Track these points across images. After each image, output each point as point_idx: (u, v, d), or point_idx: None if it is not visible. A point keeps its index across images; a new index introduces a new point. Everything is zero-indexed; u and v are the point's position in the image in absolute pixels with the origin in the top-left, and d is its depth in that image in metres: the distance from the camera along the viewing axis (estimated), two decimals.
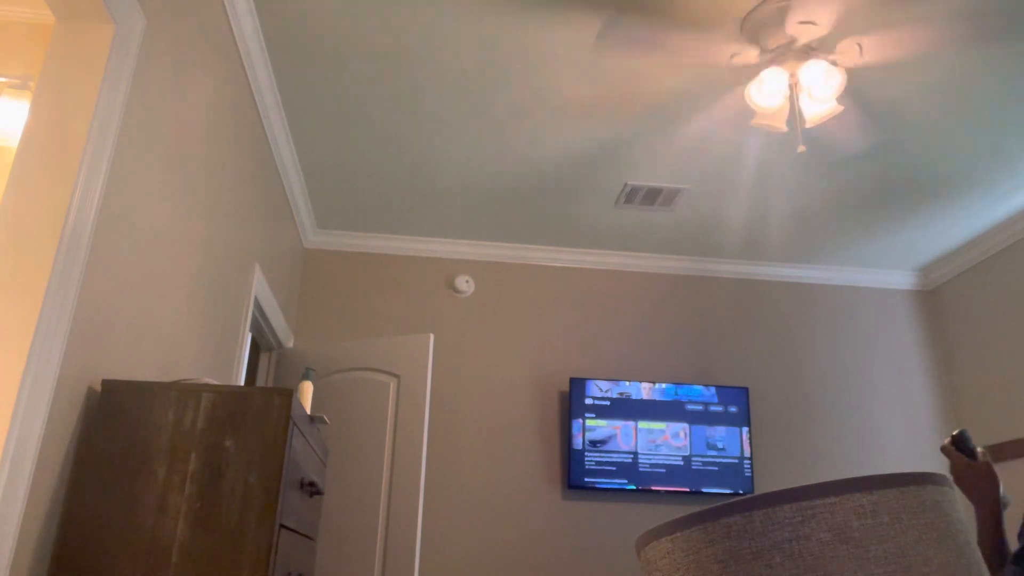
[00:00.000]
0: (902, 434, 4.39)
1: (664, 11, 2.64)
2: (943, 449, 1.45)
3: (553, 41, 2.73)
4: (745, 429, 4.14)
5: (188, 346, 2.37)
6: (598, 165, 3.55)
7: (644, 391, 4.15)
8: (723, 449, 4.09)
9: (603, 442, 4.04)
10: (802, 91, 2.65)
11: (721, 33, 2.66)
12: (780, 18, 2.53)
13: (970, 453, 1.43)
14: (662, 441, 4.08)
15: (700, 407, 4.16)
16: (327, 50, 2.80)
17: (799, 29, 2.56)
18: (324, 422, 2.56)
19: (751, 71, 2.83)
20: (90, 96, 1.67)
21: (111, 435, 1.63)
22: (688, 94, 3.00)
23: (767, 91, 2.61)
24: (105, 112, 1.69)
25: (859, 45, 2.68)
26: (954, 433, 1.45)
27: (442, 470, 4.03)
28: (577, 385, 4.12)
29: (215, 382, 1.76)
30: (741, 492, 4.04)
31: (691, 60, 2.80)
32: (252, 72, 2.80)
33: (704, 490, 4.01)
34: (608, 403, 4.11)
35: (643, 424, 4.09)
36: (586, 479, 3.98)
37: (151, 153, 1.97)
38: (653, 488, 3.99)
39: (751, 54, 2.69)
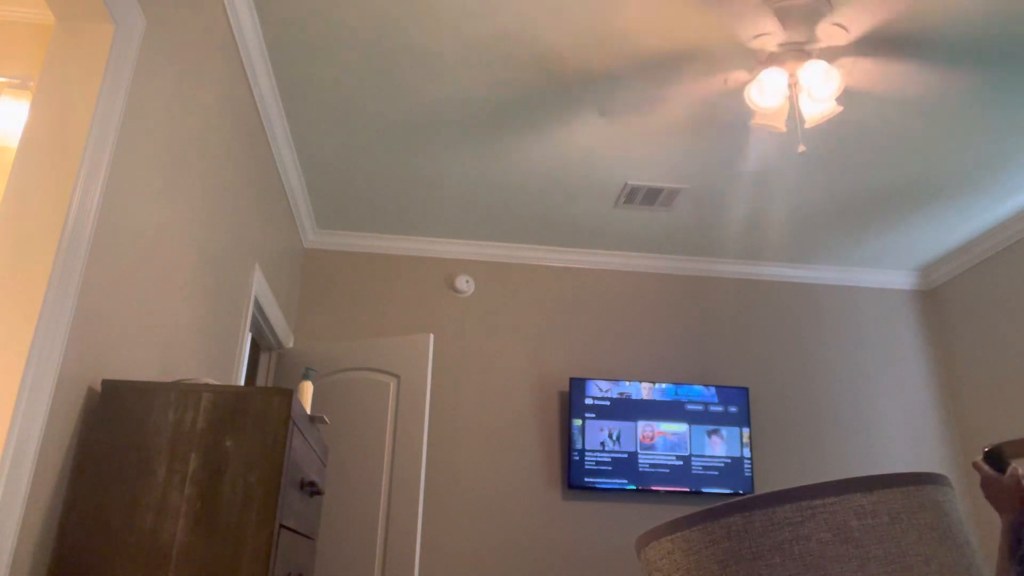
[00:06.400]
0: (902, 434, 4.39)
1: (652, 71, 2.74)
2: (974, 465, 1.46)
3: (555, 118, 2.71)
4: (745, 429, 4.14)
5: (188, 346, 2.37)
6: (598, 165, 3.55)
7: (644, 391, 4.15)
8: (723, 449, 4.09)
9: (603, 442, 4.04)
10: (801, 91, 2.65)
11: (711, 68, 2.70)
12: (817, 12, 2.51)
13: (1002, 468, 1.44)
14: (662, 441, 4.08)
15: (700, 407, 4.16)
16: (327, 50, 2.80)
17: (828, 30, 2.56)
18: (324, 422, 2.56)
19: (758, 60, 2.80)
20: (90, 96, 1.67)
21: (111, 435, 1.63)
22: (688, 101, 3.00)
23: (767, 91, 2.61)
24: (105, 112, 1.69)
25: (840, 26, 2.67)
26: (985, 450, 1.46)
27: (442, 470, 4.03)
28: (577, 385, 4.12)
29: (215, 382, 1.76)
30: (741, 492, 4.04)
31: (717, 19, 2.63)
32: (252, 72, 2.80)
33: (704, 490, 4.01)
34: (608, 403, 4.11)
35: (643, 424, 4.09)
36: (586, 479, 3.98)
37: (151, 153, 1.97)
38: (653, 488, 3.99)
39: (772, 40, 2.67)
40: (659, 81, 2.95)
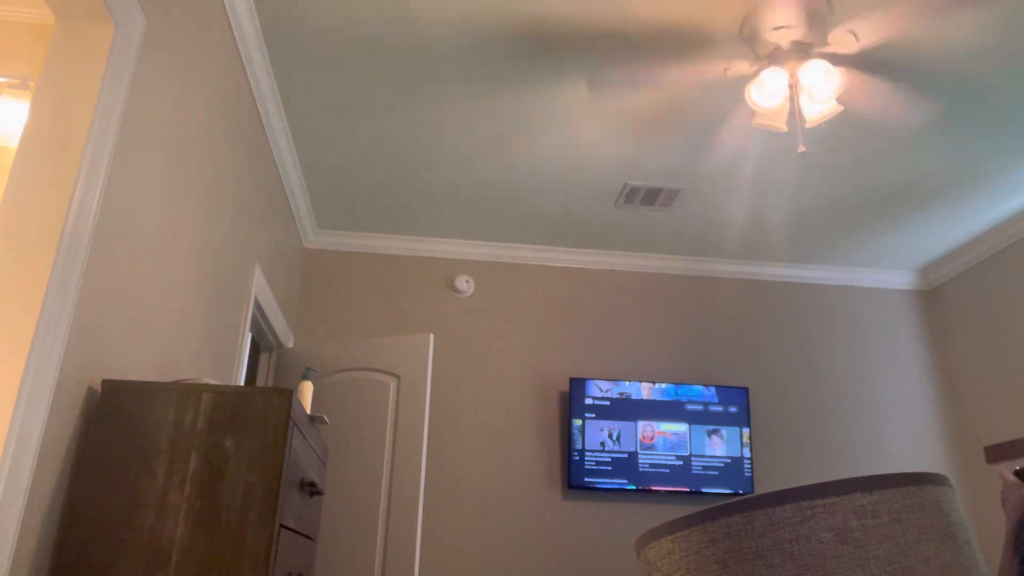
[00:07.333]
0: (902, 434, 4.39)
1: (647, 46, 2.72)
2: (1000, 473, 1.49)
3: (549, 102, 2.74)
4: (745, 429, 4.14)
5: (188, 346, 2.37)
6: (598, 165, 3.55)
7: (644, 391, 4.15)
8: (723, 449, 4.09)
9: (603, 442, 4.04)
10: (802, 91, 2.65)
11: (710, 53, 2.70)
12: (756, 32, 2.57)
13: None
14: (662, 441, 4.08)
15: (700, 407, 4.16)
16: (327, 50, 2.80)
17: (777, 35, 2.57)
18: (324, 422, 2.56)
19: (761, 56, 2.80)
20: (90, 96, 1.67)
21: (111, 435, 1.63)
22: (688, 100, 3.00)
23: (767, 91, 2.61)
24: (105, 112, 1.69)
25: (852, 33, 2.68)
26: (1017, 468, 1.49)
27: (442, 470, 4.03)
28: (577, 385, 4.12)
29: (215, 382, 1.76)
30: (741, 492, 4.04)
31: (686, 83, 2.83)
32: (252, 72, 2.80)
33: (704, 490, 4.01)
34: (608, 403, 4.11)
35: (643, 424, 4.09)
36: (586, 479, 3.98)
37: (151, 153, 1.97)
38: (653, 488, 3.99)
39: (743, 65, 2.71)
40: (652, 58, 2.85)
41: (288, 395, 1.70)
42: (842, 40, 2.67)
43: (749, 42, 2.65)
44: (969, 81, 2.88)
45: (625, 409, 4.11)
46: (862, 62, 2.78)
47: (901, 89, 2.80)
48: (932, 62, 2.77)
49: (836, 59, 2.75)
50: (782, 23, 2.56)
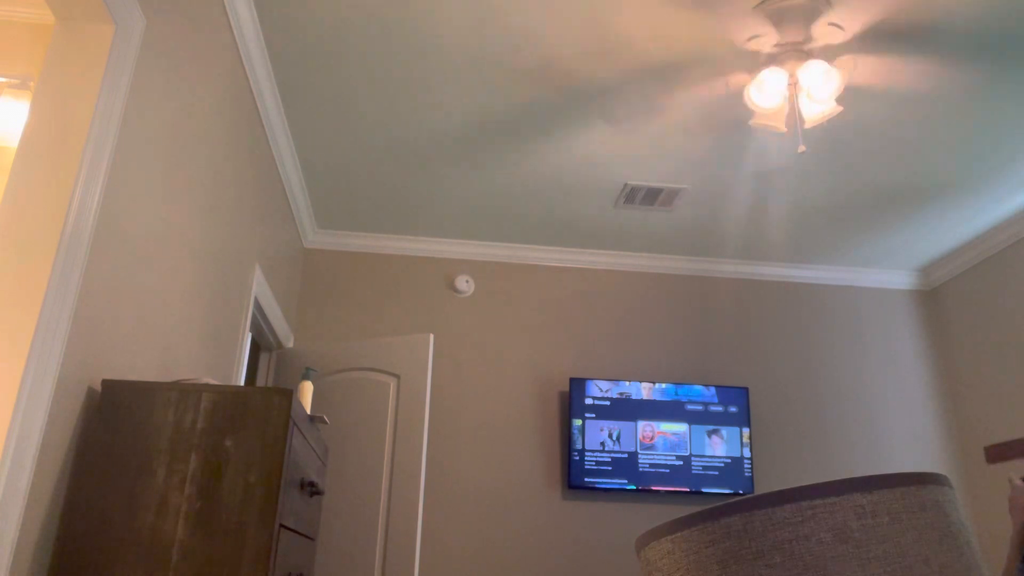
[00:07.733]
0: (902, 434, 4.39)
1: (653, 76, 2.76)
2: (1010, 480, 1.51)
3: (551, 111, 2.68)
4: (745, 429, 4.14)
5: (188, 346, 2.37)
6: (598, 165, 3.55)
7: (644, 391, 4.15)
8: (723, 449, 4.09)
9: (603, 442, 4.04)
10: (801, 92, 2.65)
11: (746, 7, 2.56)
12: (812, 13, 2.51)
13: None
14: (662, 441, 4.08)
15: (700, 407, 4.16)
16: (327, 50, 2.80)
17: (824, 30, 2.56)
18: (324, 422, 2.56)
19: (757, 61, 2.80)
20: (90, 96, 1.67)
21: (111, 435, 1.63)
22: (688, 102, 3.00)
23: (767, 92, 2.61)
24: (105, 112, 1.69)
25: (855, 62, 2.69)
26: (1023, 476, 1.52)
27: (442, 470, 4.03)
28: (577, 385, 4.12)
29: (215, 382, 1.76)
30: (741, 492, 4.03)
31: (712, 24, 2.65)
32: (252, 72, 2.80)
33: (704, 490, 4.01)
34: (608, 403, 4.11)
35: (643, 424, 4.09)
36: (586, 479, 3.98)
37: (151, 153, 1.97)
38: (653, 488, 3.99)
39: (767, 42, 2.68)
40: (662, 87, 2.96)
41: (288, 395, 1.70)
42: (829, 33, 2.65)
43: (783, 20, 2.56)
44: (969, 83, 2.89)
45: (625, 409, 4.11)
46: (860, 45, 2.73)
47: (908, 60, 2.72)
48: (930, 76, 2.78)
49: (833, 50, 2.75)
50: (753, 34, 2.57)
